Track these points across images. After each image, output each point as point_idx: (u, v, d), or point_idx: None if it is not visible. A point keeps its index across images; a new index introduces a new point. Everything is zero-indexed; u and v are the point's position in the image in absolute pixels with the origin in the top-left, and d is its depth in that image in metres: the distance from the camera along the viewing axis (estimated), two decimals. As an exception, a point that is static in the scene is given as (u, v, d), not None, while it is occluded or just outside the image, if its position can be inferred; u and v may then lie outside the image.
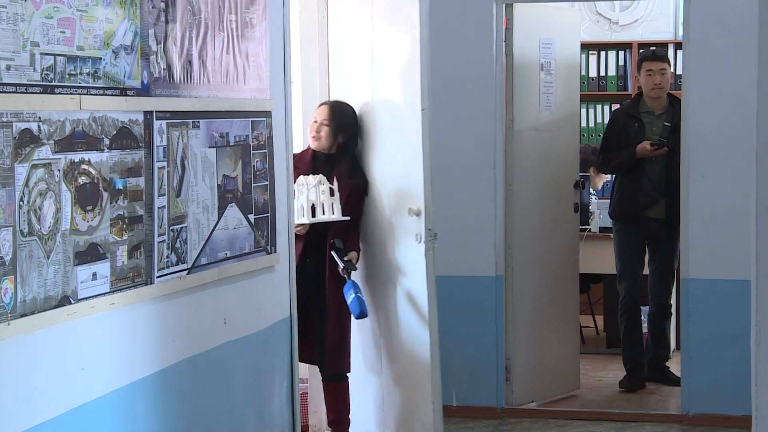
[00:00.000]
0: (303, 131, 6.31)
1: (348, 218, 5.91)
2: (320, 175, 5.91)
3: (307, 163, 6.02)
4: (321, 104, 6.15)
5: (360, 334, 6.21)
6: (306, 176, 5.90)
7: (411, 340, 5.94)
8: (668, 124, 7.17)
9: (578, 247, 7.52)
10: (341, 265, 5.91)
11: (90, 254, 3.98)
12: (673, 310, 7.69)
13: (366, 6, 6.17)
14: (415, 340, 5.93)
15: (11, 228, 3.58)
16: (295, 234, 5.68)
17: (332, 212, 5.90)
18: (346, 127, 6.05)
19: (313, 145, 6.09)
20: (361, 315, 5.82)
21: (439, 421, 5.90)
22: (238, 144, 5.01)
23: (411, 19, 5.84)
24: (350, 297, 5.81)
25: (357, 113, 6.14)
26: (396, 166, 5.97)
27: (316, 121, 6.07)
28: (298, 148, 6.06)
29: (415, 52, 5.83)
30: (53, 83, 3.78)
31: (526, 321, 7.08)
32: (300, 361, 5.71)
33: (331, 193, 5.89)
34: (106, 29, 4.06)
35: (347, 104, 6.13)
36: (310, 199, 5.85)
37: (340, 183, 5.93)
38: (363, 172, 6.11)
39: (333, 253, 5.93)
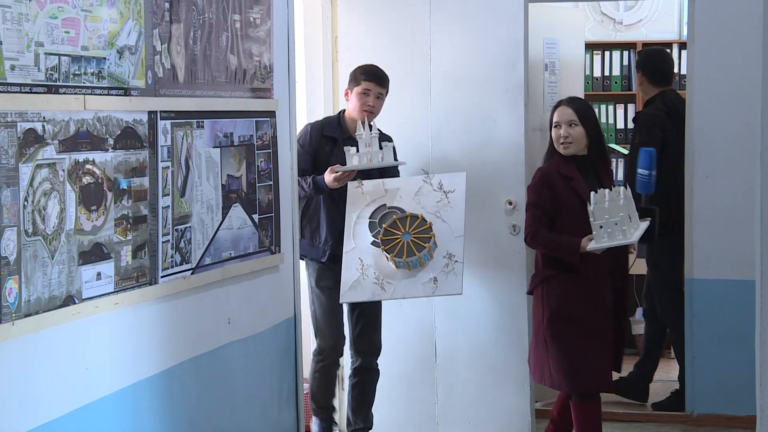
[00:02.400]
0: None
1: (404, 162, 5.94)
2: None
3: (574, 171, 5.53)
4: (556, 106, 5.67)
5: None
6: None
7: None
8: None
9: (583, 247, 7.49)
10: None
11: (94, 254, 3.99)
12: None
13: (423, 7, 6.48)
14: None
15: (16, 228, 3.58)
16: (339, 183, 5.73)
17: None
18: (593, 121, 5.61)
19: (568, 151, 5.55)
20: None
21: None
22: (242, 144, 5.01)
23: (514, 16, 6.39)
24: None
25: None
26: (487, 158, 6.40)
27: (558, 126, 5.56)
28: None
29: (518, 47, 6.38)
30: (58, 83, 3.78)
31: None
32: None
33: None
34: (110, 29, 4.06)
35: (579, 97, 5.86)
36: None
37: (609, 183, 5.54)
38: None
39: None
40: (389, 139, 5.91)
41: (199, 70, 4.67)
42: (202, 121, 4.68)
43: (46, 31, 3.72)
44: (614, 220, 5.22)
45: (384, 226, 5.51)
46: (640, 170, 5.68)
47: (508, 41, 6.42)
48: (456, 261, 5.51)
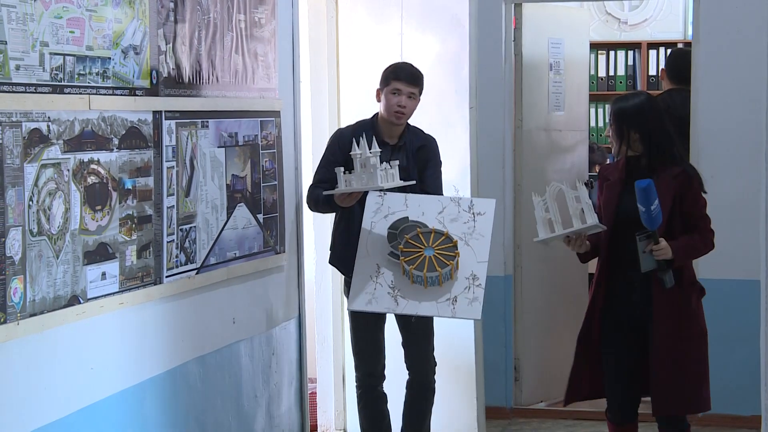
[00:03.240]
0: (312, 131, 6.29)
1: (412, 182, 5.24)
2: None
3: (615, 171, 5.06)
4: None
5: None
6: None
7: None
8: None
9: (587, 247, 7.49)
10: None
11: (99, 254, 3.99)
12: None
13: (395, 7, 6.24)
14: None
15: (20, 228, 3.59)
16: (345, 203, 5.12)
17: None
18: (638, 119, 4.96)
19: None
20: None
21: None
22: (247, 144, 5.01)
23: (457, 18, 6.08)
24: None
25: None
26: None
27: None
28: (306, 148, 6.03)
29: (463, 51, 6.08)
30: (62, 83, 3.78)
31: (535, 321, 7.07)
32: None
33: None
34: (115, 29, 4.06)
35: (624, 96, 5.13)
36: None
37: (666, 187, 4.91)
38: (683, 159, 5.11)
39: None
40: (427, 142, 5.46)
41: (204, 70, 4.67)
42: (207, 121, 4.68)
43: (51, 31, 3.72)
44: (547, 215, 4.92)
45: (406, 237, 5.13)
46: (639, 206, 5.00)
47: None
48: (478, 285, 5.17)
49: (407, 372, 5.46)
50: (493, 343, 6.79)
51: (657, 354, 4.92)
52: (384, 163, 5.04)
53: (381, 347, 5.45)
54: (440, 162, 5.51)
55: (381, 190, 5.18)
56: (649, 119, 4.95)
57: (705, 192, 5.05)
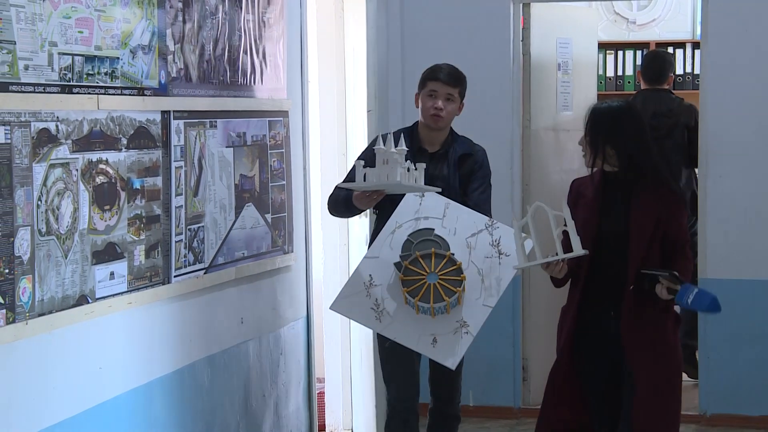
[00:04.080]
0: (320, 131, 6.29)
1: (439, 189, 4.78)
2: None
3: (590, 188, 4.59)
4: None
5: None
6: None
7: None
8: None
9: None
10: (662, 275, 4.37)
11: (107, 254, 3.99)
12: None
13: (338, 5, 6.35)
14: None
15: (29, 227, 3.59)
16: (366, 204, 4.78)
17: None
18: (614, 134, 4.50)
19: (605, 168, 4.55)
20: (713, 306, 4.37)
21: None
22: (255, 144, 5.01)
23: (357, 18, 6.17)
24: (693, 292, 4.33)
25: None
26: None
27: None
28: (315, 148, 6.03)
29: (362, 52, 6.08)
30: (71, 83, 3.79)
31: (543, 321, 7.06)
32: None
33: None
34: (123, 29, 4.06)
35: (604, 104, 4.71)
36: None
37: (647, 207, 4.46)
38: (668, 178, 4.61)
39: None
40: (474, 151, 5.07)
41: (212, 70, 4.67)
42: (215, 121, 4.68)
43: (60, 31, 3.72)
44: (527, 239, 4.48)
45: (405, 263, 4.65)
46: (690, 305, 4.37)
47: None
48: (467, 332, 4.64)
49: (430, 398, 5.13)
50: (501, 342, 6.79)
51: (637, 399, 4.44)
52: (408, 161, 4.63)
53: (414, 371, 5.07)
54: (489, 174, 5.11)
55: (417, 193, 4.79)
56: (627, 134, 4.46)
57: (689, 214, 4.63)
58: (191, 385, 4.59)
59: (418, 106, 5.04)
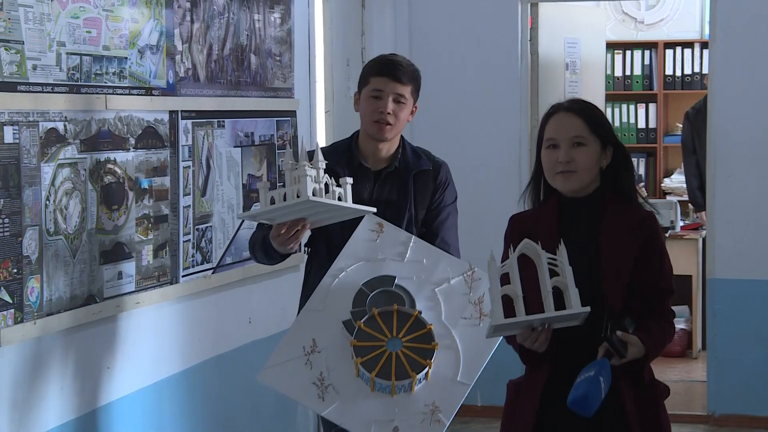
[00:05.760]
0: (326, 131, 6.29)
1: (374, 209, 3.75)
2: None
3: (549, 220, 3.34)
4: (552, 111, 3.44)
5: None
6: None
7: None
8: None
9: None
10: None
11: (115, 253, 3.99)
12: (699, 310, 7.68)
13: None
14: None
15: (37, 227, 3.59)
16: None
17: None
18: (610, 136, 3.38)
19: (561, 187, 3.33)
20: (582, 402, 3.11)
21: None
22: (263, 143, 5.01)
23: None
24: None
25: None
26: None
27: (555, 144, 3.33)
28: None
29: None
30: (79, 83, 3.79)
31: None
32: None
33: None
34: (131, 29, 4.07)
35: (584, 101, 3.48)
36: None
37: (627, 236, 3.28)
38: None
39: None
40: (435, 167, 3.98)
41: (220, 70, 4.68)
42: (223, 121, 4.69)
43: (68, 31, 3.73)
44: (508, 290, 3.17)
45: (359, 324, 3.58)
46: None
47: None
48: (438, 419, 3.52)
49: None
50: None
51: None
52: (325, 175, 3.55)
53: None
54: (455, 198, 4.02)
55: (380, 220, 3.74)
56: (611, 131, 3.41)
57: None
58: (199, 385, 4.59)
59: (357, 110, 3.93)
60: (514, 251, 3.19)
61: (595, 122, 3.34)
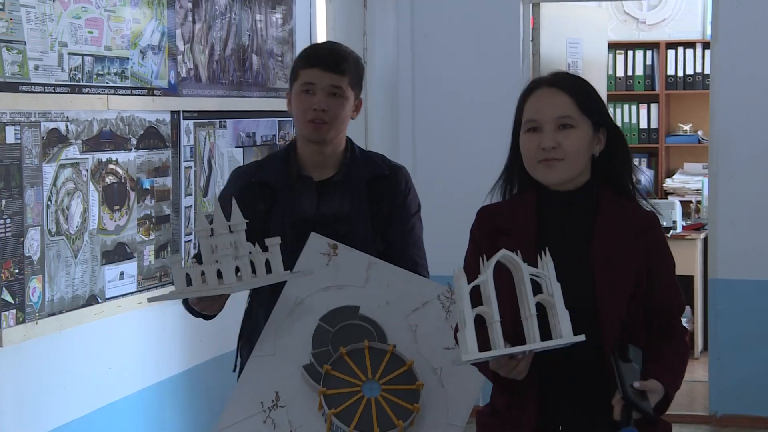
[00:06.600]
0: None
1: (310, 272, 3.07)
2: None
3: (527, 217, 2.76)
4: (532, 86, 2.86)
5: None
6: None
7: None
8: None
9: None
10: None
11: (117, 254, 3.99)
12: (700, 311, 7.67)
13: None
14: None
15: (39, 227, 3.59)
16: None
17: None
18: (604, 117, 2.78)
19: (544, 178, 2.76)
20: None
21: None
22: (264, 144, 5.01)
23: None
24: None
25: None
26: None
27: (536, 127, 2.79)
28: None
29: None
30: (81, 83, 3.79)
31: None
32: None
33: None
34: (133, 29, 4.07)
35: (572, 74, 2.92)
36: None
37: (627, 243, 2.71)
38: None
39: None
40: (391, 173, 3.33)
41: (222, 70, 4.68)
42: (225, 121, 4.69)
43: (70, 32, 3.73)
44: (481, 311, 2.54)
45: (327, 368, 3.00)
46: None
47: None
48: None
49: None
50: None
51: None
52: (251, 244, 2.90)
53: None
54: (419, 208, 3.37)
55: (333, 243, 3.15)
56: (605, 110, 2.81)
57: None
58: (201, 385, 4.59)
59: (290, 110, 3.32)
60: (485, 258, 2.56)
61: (586, 99, 2.74)
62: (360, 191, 3.27)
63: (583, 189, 2.74)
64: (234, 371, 3.33)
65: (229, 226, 2.86)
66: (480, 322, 2.53)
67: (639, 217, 2.74)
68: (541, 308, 2.56)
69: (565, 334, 2.52)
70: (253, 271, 2.89)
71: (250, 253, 2.88)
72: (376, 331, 3.07)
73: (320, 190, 3.26)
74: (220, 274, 2.86)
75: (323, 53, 3.29)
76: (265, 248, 2.91)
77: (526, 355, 2.55)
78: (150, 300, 3.01)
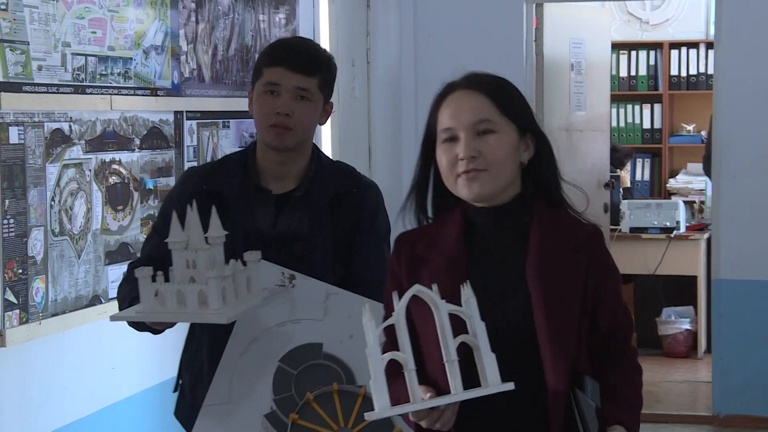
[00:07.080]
0: (332, 131, 6.28)
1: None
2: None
3: (452, 242, 2.43)
4: (446, 91, 2.51)
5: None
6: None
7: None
8: None
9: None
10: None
11: (121, 254, 3.99)
12: (703, 311, 7.67)
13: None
14: None
15: (42, 228, 3.59)
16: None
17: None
18: (529, 120, 2.57)
19: (466, 193, 2.41)
20: None
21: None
22: (267, 144, 5.01)
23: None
24: None
25: None
26: None
27: (453, 136, 2.43)
28: (326, 149, 6.01)
29: None
30: (84, 83, 3.79)
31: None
32: None
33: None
34: (136, 29, 4.07)
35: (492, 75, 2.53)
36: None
37: (568, 262, 2.41)
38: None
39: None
40: (358, 188, 3.00)
41: (225, 70, 4.68)
42: (228, 121, 4.69)
43: (73, 32, 3.73)
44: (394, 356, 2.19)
45: (306, 399, 2.71)
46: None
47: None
48: None
49: None
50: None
51: None
52: (234, 260, 2.60)
53: None
54: (388, 231, 3.02)
55: (289, 273, 2.80)
56: (529, 112, 2.57)
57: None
58: (204, 385, 4.59)
59: (251, 111, 2.98)
60: (396, 296, 2.19)
61: (506, 100, 2.44)
62: (323, 209, 2.92)
63: (514, 202, 2.43)
64: (175, 392, 3.06)
65: (206, 238, 2.55)
66: (393, 366, 2.19)
67: (579, 229, 2.45)
68: (467, 349, 2.21)
69: (491, 382, 2.18)
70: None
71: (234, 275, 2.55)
72: (343, 370, 2.71)
73: (279, 205, 2.92)
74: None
75: (291, 50, 2.93)
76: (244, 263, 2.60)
77: (452, 406, 2.22)
78: (113, 318, 2.67)
